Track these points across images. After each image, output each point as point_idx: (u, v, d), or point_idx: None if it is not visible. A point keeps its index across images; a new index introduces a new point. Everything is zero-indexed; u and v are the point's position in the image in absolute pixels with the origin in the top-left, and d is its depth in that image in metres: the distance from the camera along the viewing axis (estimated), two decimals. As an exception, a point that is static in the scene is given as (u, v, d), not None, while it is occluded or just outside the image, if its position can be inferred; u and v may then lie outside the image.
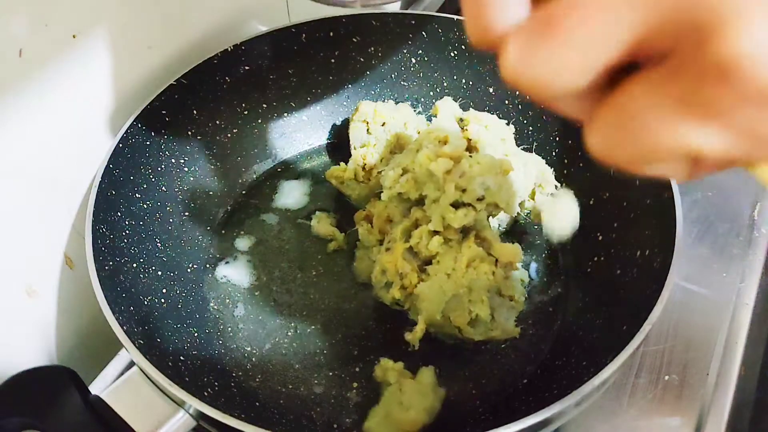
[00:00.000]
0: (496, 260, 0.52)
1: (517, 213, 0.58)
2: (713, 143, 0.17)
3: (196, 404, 0.40)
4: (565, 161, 0.62)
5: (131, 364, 0.44)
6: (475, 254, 0.50)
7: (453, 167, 0.51)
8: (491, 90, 0.66)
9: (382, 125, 0.63)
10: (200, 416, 0.41)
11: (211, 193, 0.63)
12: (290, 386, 0.52)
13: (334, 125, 0.70)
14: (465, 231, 0.52)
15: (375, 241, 0.57)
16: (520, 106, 0.65)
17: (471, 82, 0.67)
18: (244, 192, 0.65)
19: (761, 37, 0.16)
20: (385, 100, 0.68)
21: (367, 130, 0.64)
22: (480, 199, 0.51)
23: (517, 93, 0.65)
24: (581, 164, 0.60)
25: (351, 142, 0.64)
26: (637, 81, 0.18)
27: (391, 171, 0.54)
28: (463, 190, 0.51)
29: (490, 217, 0.55)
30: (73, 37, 0.49)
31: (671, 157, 0.18)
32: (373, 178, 0.61)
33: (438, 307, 0.50)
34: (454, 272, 0.50)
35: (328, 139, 0.70)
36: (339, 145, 0.69)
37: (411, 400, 0.47)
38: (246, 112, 0.66)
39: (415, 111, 0.65)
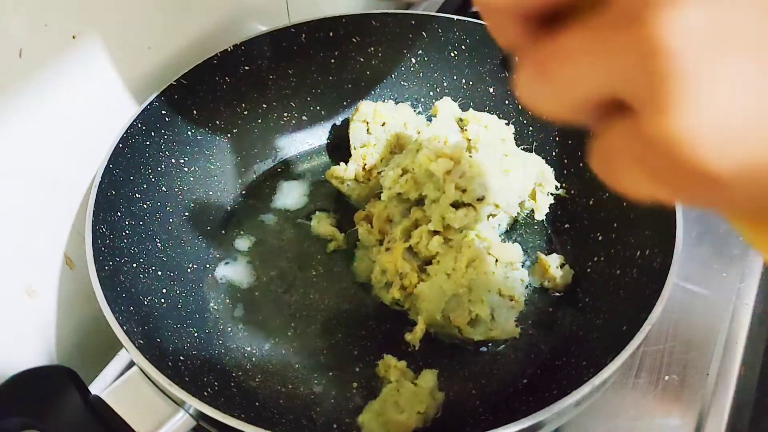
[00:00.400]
0: (496, 260, 0.52)
1: (517, 213, 0.58)
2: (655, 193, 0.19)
3: (196, 404, 0.40)
4: (565, 161, 0.62)
5: (131, 364, 0.44)
6: (475, 254, 0.50)
7: (453, 167, 0.51)
8: (491, 90, 0.66)
9: (382, 125, 0.63)
10: (200, 416, 0.41)
11: (210, 193, 0.63)
12: (290, 386, 0.51)
13: (334, 125, 0.70)
14: (465, 231, 0.52)
15: (375, 241, 0.57)
16: (520, 106, 0.65)
17: (471, 82, 0.67)
18: (243, 192, 0.65)
19: (700, 118, 0.17)
20: (385, 100, 0.68)
21: (367, 130, 0.64)
22: (480, 200, 0.51)
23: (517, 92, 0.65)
24: (581, 164, 0.60)
25: (351, 142, 0.64)
26: (612, 125, 0.20)
27: (391, 171, 0.54)
28: (463, 191, 0.51)
29: (491, 217, 0.55)
30: (73, 37, 0.49)
31: (638, 186, 0.20)
32: (373, 179, 0.61)
33: (438, 306, 0.50)
34: (454, 272, 0.50)
35: (328, 139, 0.70)
36: (339, 145, 0.69)
37: (407, 403, 0.47)
38: (246, 112, 0.66)
39: (415, 111, 0.65)
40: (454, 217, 0.50)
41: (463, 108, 0.61)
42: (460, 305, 0.50)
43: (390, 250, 0.53)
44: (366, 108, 0.63)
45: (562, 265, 0.57)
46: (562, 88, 0.20)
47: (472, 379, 0.52)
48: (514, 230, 0.61)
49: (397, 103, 0.65)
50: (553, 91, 0.20)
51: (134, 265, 0.52)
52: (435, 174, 0.51)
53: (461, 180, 0.50)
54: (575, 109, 0.20)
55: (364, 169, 0.62)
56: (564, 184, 0.61)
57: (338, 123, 0.70)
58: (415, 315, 0.52)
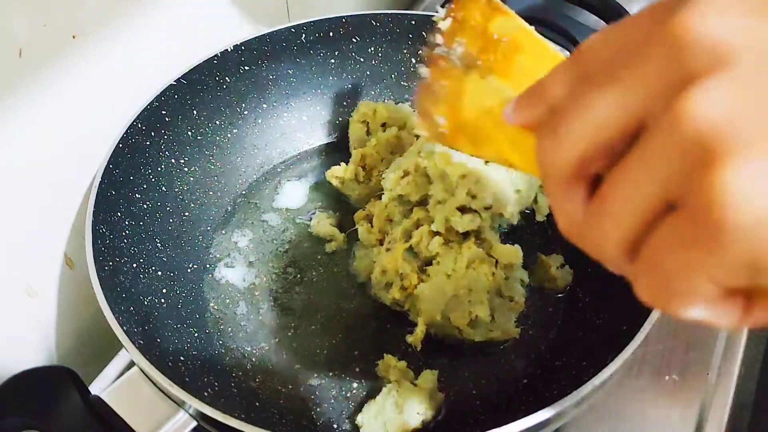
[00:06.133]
0: (496, 261, 0.52)
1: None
2: (725, 278, 0.19)
3: (196, 404, 0.40)
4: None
5: (131, 364, 0.43)
6: (475, 255, 0.50)
7: (469, 172, 0.51)
8: (491, 90, 0.66)
9: (382, 125, 0.63)
10: (200, 416, 0.41)
11: (210, 193, 0.63)
12: (290, 386, 0.51)
13: (334, 125, 0.70)
14: (466, 233, 0.52)
15: (375, 241, 0.57)
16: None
17: (471, 82, 0.67)
18: (243, 192, 0.65)
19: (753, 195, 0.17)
20: (385, 100, 0.68)
21: (367, 130, 0.64)
22: (487, 208, 0.51)
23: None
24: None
25: (351, 143, 0.64)
26: (658, 235, 0.20)
27: (392, 173, 0.54)
28: (473, 197, 0.51)
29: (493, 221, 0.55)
30: (73, 37, 0.49)
31: (703, 297, 0.20)
32: (374, 179, 0.61)
33: (438, 307, 0.50)
34: (454, 273, 0.50)
35: (328, 139, 0.70)
36: (339, 145, 0.69)
37: (405, 403, 0.47)
38: (246, 112, 0.66)
39: (415, 111, 0.65)
40: (459, 221, 0.50)
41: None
42: (460, 306, 0.50)
43: (390, 251, 0.53)
44: (366, 108, 0.63)
45: (562, 266, 0.57)
46: (618, 208, 0.21)
47: (472, 379, 0.52)
48: (514, 230, 0.61)
49: (397, 103, 0.65)
50: (611, 216, 0.21)
51: (134, 265, 0.52)
52: (449, 176, 0.51)
53: (475, 186, 0.51)
54: (628, 233, 0.21)
55: (364, 169, 0.62)
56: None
57: (338, 123, 0.70)
58: (415, 316, 0.52)
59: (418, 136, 0.63)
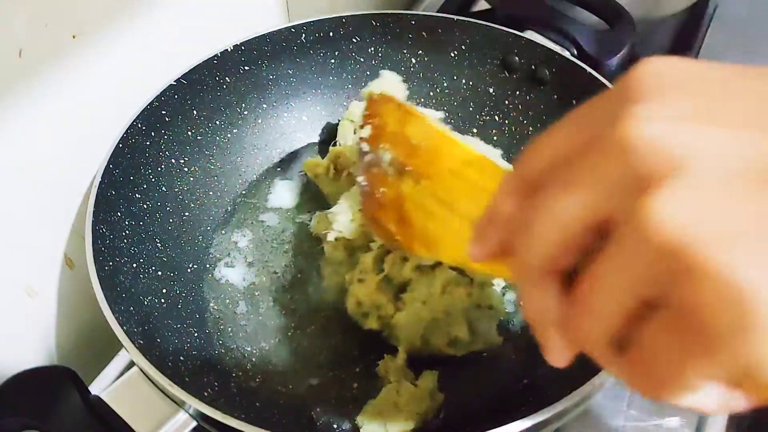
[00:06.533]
0: (471, 280, 0.50)
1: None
2: (719, 376, 0.20)
3: (196, 404, 0.40)
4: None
5: (131, 364, 0.43)
6: (449, 278, 0.49)
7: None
8: (491, 90, 0.66)
9: None
10: (200, 416, 0.41)
11: (210, 193, 0.63)
12: (290, 386, 0.51)
13: (334, 126, 0.70)
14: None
15: (342, 257, 0.55)
16: (520, 106, 0.65)
17: (471, 82, 0.67)
18: (243, 192, 0.65)
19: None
20: (385, 100, 0.68)
21: (354, 130, 0.63)
22: None
23: (517, 93, 0.65)
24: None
25: (337, 138, 0.64)
26: (646, 336, 0.21)
27: (341, 215, 0.53)
28: None
29: None
30: (73, 37, 0.49)
31: (695, 389, 0.20)
32: (342, 179, 0.60)
33: (417, 333, 0.49)
34: (430, 298, 0.49)
35: (328, 139, 0.70)
36: (331, 142, 0.69)
37: (406, 404, 0.47)
38: (246, 112, 0.66)
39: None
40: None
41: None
42: (439, 329, 0.49)
43: (363, 281, 0.51)
44: (355, 109, 0.63)
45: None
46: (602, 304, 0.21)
47: (472, 380, 0.52)
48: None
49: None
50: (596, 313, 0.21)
51: (134, 265, 0.52)
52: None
53: None
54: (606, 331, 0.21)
55: (336, 168, 0.61)
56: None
57: (338, 123, 0.70)
58: (396, 341, 0.51)
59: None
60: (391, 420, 0.46)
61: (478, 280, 0.50)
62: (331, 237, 0.53)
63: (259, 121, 0.67)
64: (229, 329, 0.55)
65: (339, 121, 0.69)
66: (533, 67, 0.63)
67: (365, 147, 0.40)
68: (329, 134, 0.69)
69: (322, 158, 0.64)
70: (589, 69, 0.59)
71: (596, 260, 0.21)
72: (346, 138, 0.63)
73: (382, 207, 0.39)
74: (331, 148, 0.62)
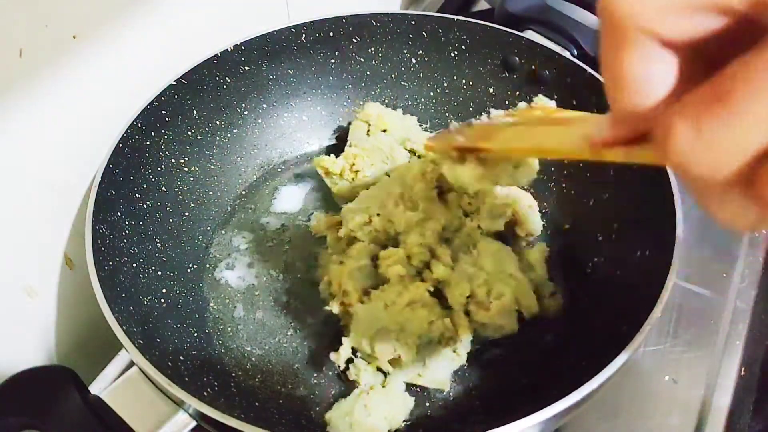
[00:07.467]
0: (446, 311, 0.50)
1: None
2: None
3: (195, 404, 0.40)
4: (566, 161, 0.61)
5: (131, 364, 0.43)
6: (419, 297, 0.49)
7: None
8: (491, 90, 0.66)
9: (384, 131, 0.63)
10: (200, 416, 0.41)
11: (210, 193, 0.63)
12: (290, 386, 0.51)
13: (333, 126, 0.70)
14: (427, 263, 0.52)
15: (343, 249, 0.56)
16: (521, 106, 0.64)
17: (471, 82, 0.67)
18: (243, 192, 0.65)
19: None
20: (385, 100, 0.68)
21: (368, 131, 0.63)
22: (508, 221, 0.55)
23: (517, 93, 0.65)
24: (581, 164, 0.60)
25: (349, 138, 0.64)
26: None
27: (357, 216, 0.53)
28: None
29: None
30: (73, 37, 0.49)
31: None
32: (357, 180, 0.61)
33: (367, 333, 0.48)
34: (393, 306, 0.49)
35: (327, 139, 0.70)
36: (339, 145, 0.69)
37: (375, 407, 0.47)
38: (246, 112, 0.66)
39: (421, 127, 0.65)
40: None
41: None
42: (387, 340, 0.48)
43: (342, 264, 0.52)
44: (372, 110, 0.63)
45: (552, 294, 0.55)
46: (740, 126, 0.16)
47: (472, 379, 0.52)
48: (516, 238, 0.60)
49: (396, 105, 0.65)
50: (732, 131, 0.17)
51: (134, 265, 0.52)
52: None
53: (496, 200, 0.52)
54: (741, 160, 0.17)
55: (351, 168, 0.61)
56: (564, 185, 0.61)
57: (338, 123, 0.70)
58: (346, 332, 0.50)
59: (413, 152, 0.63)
60: (360, 421, 0.46)
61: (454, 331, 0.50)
62: (341, 232, 0.54)
63: (259, 121, 0.67)
64: (229, 329, 0.55)
65: (341, 120, 0.70)
66: (533, 67, 0.63)
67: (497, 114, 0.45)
68: (337, 137, 0.70)
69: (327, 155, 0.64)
70: (589, 69, 0.59)
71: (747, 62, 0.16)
72: (359, 138, 0.63)
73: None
74: (346, 148, 0.63)
